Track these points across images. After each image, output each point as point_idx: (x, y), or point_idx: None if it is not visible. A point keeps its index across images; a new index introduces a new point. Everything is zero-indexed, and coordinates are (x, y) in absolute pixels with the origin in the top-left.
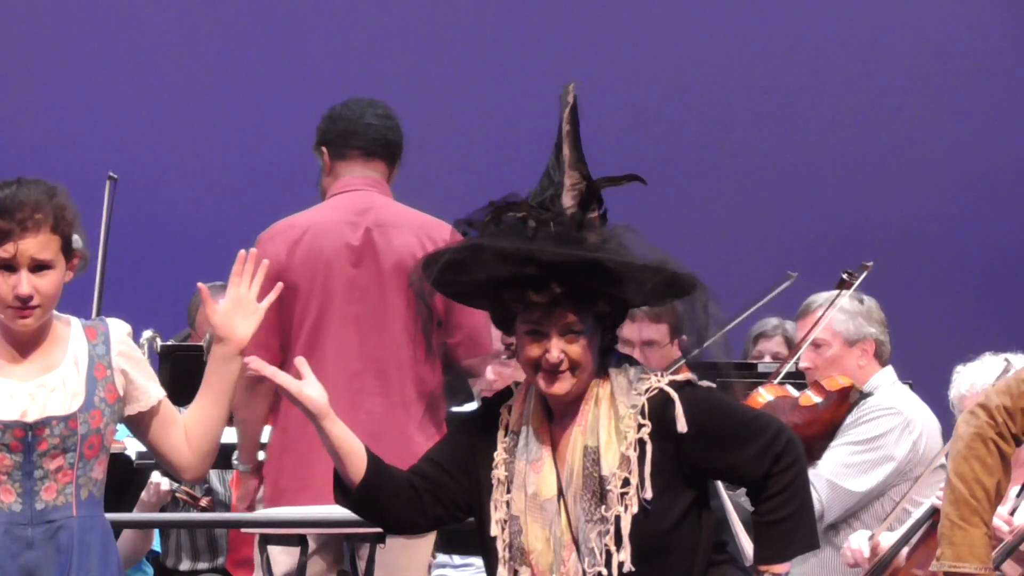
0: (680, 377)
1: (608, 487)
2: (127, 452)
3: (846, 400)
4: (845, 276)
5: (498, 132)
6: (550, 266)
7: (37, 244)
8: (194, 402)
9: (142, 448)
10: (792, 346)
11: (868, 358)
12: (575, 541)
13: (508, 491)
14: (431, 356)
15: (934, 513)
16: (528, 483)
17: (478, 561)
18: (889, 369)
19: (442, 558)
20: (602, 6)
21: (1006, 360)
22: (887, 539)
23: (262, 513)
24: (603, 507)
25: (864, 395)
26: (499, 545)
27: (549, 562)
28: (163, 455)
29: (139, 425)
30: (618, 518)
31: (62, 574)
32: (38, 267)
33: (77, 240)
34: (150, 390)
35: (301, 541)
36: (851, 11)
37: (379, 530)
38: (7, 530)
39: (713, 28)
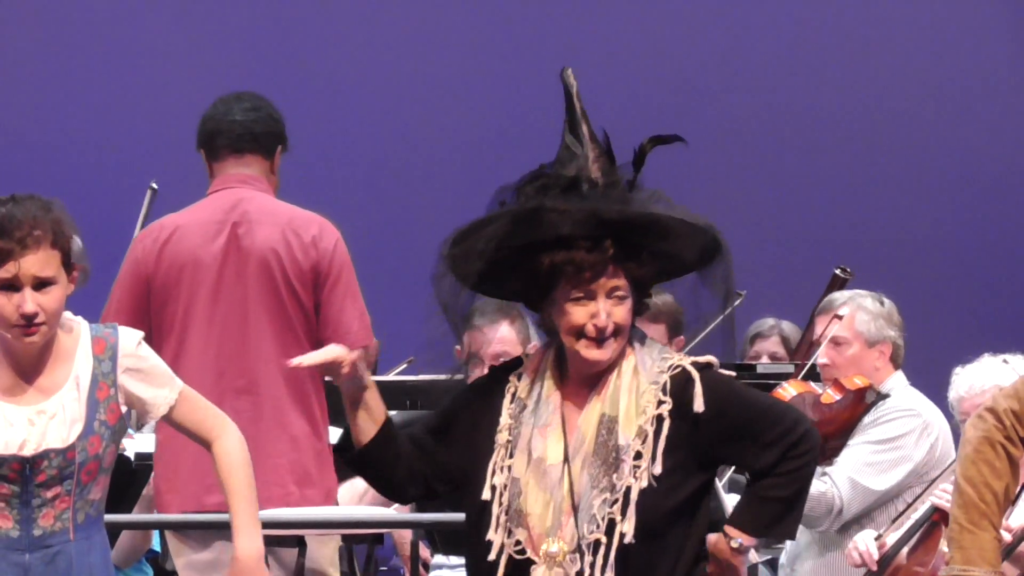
0: (702, 359)
1: (622, 456)
2: (126, 453)
3: (863, 400)
4: (838, 272)
5: (488, 126)
6: (607, 224)
7: (38, 261)
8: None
9: (141, 449)
10: (788, 346)
11: (884, 360)
12: (574, 508)
13: (510, 455)
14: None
15: (933, 513)
16: (534, 447)
17: None
18: (901, 373)
19: (439, 559)
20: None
21: (1005, 361)
22: (893, 539)
23: (262, 515)
24: (614, 475)
25: (881, 396)
26: (494, 509)
27: (547, 526)
28: (196, 440)
29: (164, 421)
30: (628, 489)
31: None
32: (41, 284)
33: (77, 251)
34: (158, 399)
35: (299, 543)
36: (844, 13)
37: (378, 531)
38: (4, 555)
39: (700, 29)
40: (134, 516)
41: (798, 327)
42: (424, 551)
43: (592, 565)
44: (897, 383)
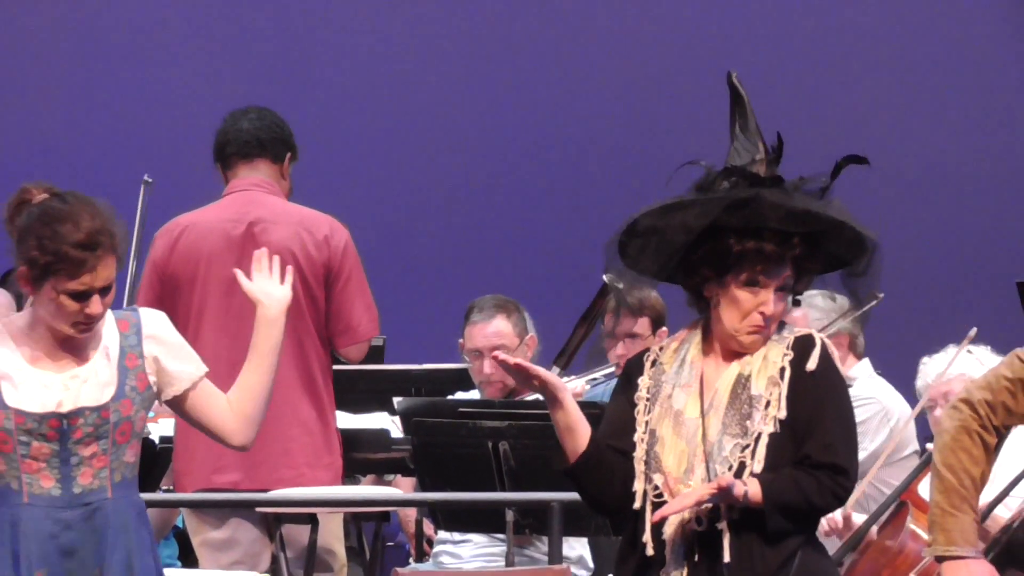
0: (830, 340)
1: (755, 406)
2: (150, 436)
3: None
4: None
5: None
6: (801, 222)
7: (106, 268)
8: (242, 370)
9: (164, 432)
10: None
11: (844, 351)
12: (707, 456)
13: (649, 411)
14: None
15: (901, 493)
16: (675, 400)
17: (476, 538)
18: (866, 362)
19: (442, 535)
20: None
21: (968, 351)
22: (858, 517)
23: (277, 493)
24: (747, 422)
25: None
26: (637, 458)
27: (682, 471)
28: (208, 429)
29: (179, 405)
30: (759, 435)
31: (99, 552)
32: (106, 289)
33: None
34: (183, 374)
35: (312, 519)
36: (839, 11)
37: (385, 509)
38: (47, 514)
39: (699, 27)
40: (155, 496)
41: None
42: (428, 528)
43: (727, 506)
44: (861, 372)
